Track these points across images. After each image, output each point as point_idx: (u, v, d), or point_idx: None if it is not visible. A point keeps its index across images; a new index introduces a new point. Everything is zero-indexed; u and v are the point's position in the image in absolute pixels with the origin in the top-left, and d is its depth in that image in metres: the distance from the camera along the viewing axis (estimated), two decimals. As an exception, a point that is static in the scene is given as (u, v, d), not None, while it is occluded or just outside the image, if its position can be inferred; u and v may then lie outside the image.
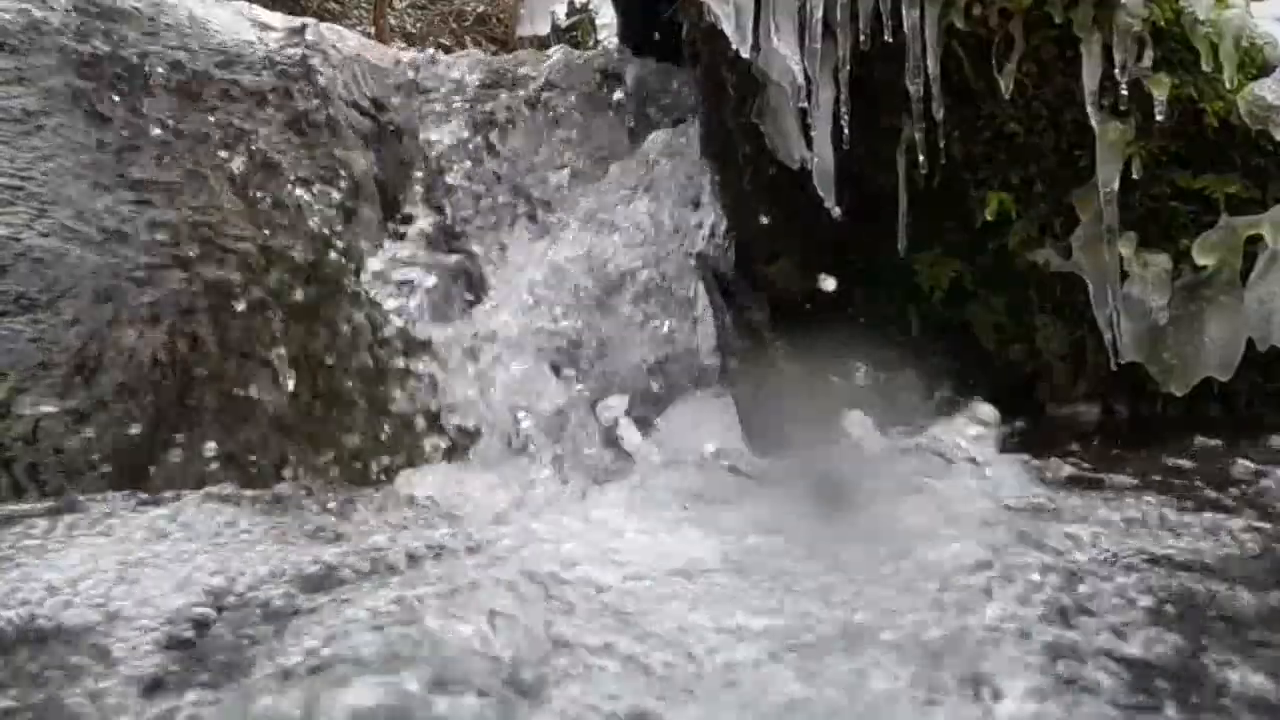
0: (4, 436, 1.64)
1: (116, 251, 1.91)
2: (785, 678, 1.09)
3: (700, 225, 2.56)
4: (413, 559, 1.35)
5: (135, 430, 1.77)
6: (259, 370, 1.97)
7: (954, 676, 1.11)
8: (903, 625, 1.22)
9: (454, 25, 7.02)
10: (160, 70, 2.26)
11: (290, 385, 1.98)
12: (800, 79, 2.25)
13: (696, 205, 2.61)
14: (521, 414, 2.19)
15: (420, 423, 2.16)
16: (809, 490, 1.93)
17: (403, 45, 5.88)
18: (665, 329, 2.46)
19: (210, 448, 1.83)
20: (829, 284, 2.34)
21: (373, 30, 6.17)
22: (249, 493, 1.60)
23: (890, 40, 2.18)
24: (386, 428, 2.11)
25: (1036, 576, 1.36)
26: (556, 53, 2.94)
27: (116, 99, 2.17)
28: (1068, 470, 1.98)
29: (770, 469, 2.03)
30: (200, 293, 1.96)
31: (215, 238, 2.06)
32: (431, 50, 3.01)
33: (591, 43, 4.46)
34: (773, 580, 1.35)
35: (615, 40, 3.76)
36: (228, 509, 1.50)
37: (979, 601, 1.28)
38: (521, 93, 2.79)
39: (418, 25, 7.08)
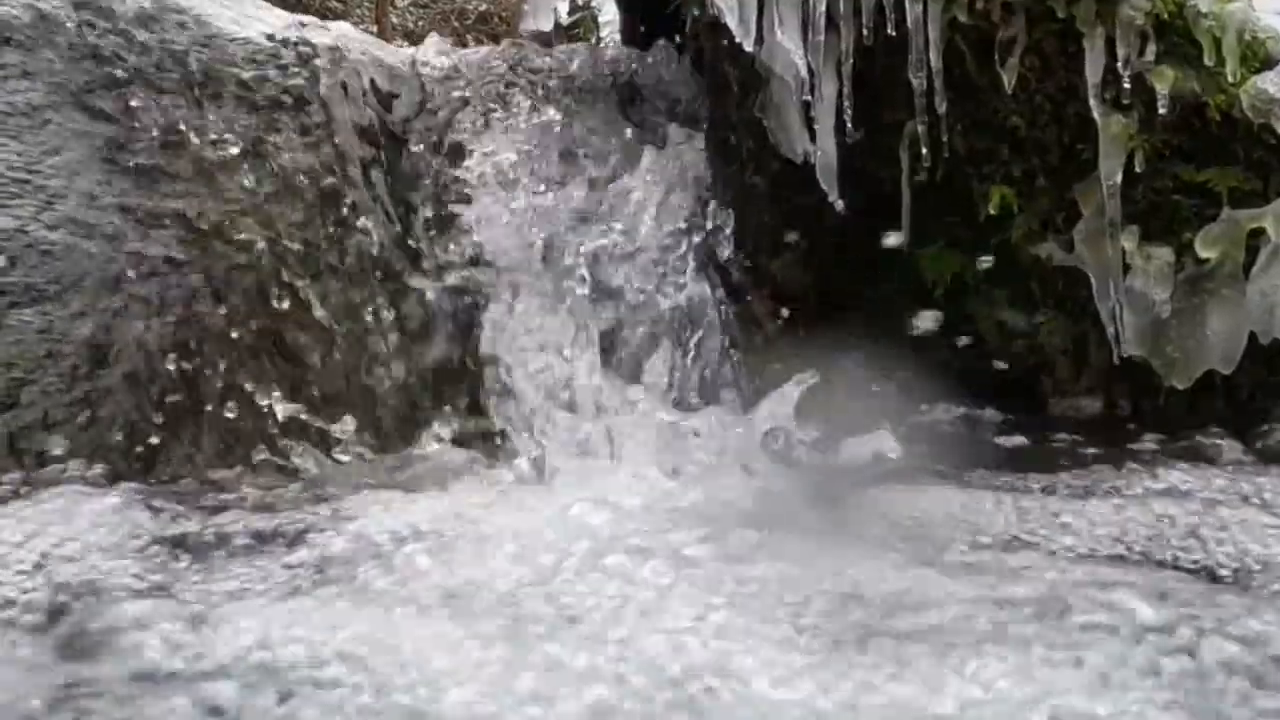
0: (13, 426, 1.65)
1: (123, 244, 1.92)
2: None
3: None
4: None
5: (142, 420, 1.78)
6: (265, 361, 1.98)
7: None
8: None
9: (456, 23, 7.04)
10: (164, 66, 2.27)
11: (295, 376, 2.00)
12: (803, 72, 2.26)
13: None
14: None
15: (425, 411, 2.17)
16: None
17: (404, 43, 5.89)
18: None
19: (216, 438, 1.85)
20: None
21: (374, 29, 6.18)
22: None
23: (893, 34, 2.19)
24: (390, 417, 2.11)
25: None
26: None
27: (121, 94, 2.17)
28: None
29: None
30: (206, 285, 1.97)
31: (220, 230, 2.07)
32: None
33: (594, 40, 4.47)
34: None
35: (618, 37, 3.77)
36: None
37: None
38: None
39: (419, 23, 7.10)
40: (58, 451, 1.65)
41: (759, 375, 2.43)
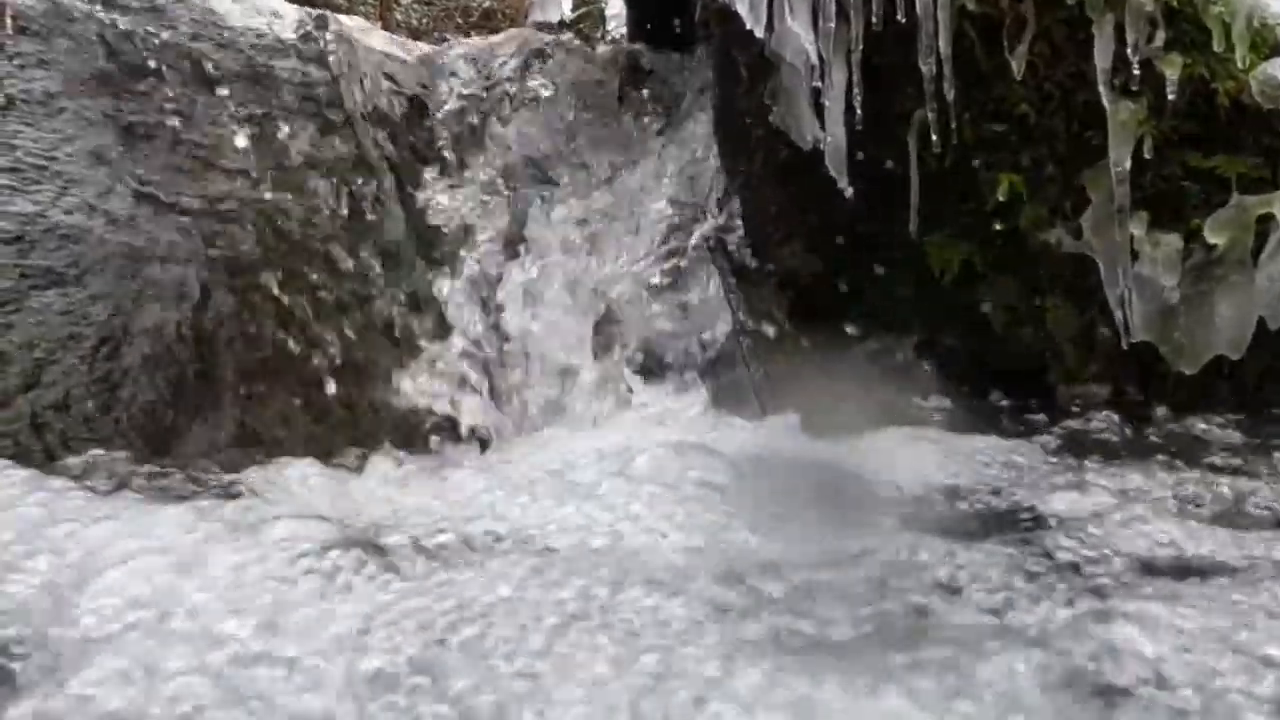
0: (36, 405, 1.67)
1: (139, 230, 1.94)
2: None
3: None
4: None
5: (159, 402, 1.80)
6: (276, 346, 1.99)
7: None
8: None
9: (459, 20, 7.03)
10: (178, 54, 2.29)
11: (308, 361, 2.01)
12: (813, 60, 2.26)
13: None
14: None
15: (435, 404, 2.19)
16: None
17: (408, 39, 5.88)
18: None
19: (231, 420, 1.86)
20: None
21: (378, 25, 6.17)
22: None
23: (903, 21, 2.20)
24: (395, 405, 2.13)
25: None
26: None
27: (135, 83, 2.19)
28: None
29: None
30: (221, 270, 1.99)
31: (233, 218, 2.09)
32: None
33: (600, 34, 4.47)
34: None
35: (624, 31, 3.78)
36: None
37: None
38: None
39: (423, 20, 7.10)
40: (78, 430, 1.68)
41: (767, 362, 2.44)
